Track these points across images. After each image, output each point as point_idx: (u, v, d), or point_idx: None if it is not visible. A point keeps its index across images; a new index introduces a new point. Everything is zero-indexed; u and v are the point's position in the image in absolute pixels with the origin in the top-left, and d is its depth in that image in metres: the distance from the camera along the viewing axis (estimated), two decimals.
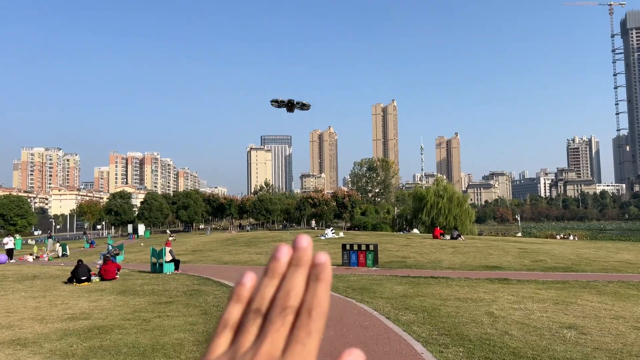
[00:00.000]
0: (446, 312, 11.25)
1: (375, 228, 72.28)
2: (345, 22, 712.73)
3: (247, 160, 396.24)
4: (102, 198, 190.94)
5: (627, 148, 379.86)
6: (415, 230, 56.29)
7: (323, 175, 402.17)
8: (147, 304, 13.35)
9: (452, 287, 15.36)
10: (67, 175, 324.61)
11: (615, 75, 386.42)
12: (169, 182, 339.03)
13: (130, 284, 17.84)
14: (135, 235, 75.38)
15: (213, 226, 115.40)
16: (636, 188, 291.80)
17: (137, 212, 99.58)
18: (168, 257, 21.83)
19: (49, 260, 34.12)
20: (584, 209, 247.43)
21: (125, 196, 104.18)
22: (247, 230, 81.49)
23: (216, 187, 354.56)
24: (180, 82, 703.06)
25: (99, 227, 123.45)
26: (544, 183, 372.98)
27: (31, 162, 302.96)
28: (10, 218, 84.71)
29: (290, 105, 19.95)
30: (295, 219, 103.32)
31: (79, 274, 18.15)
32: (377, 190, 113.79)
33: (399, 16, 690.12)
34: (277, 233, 57.83)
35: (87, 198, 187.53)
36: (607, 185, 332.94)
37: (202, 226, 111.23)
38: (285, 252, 0.48)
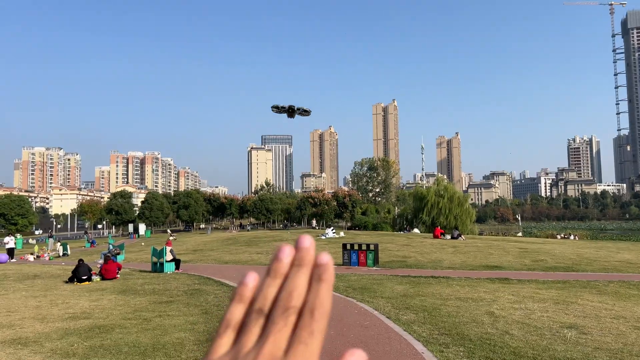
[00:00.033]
0: (447, 312, 11.25)
1: (375, 228, 72.28)
2: (345, 22, 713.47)
3: (248, 160, 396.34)
4: (102, 197, 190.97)
5: (628, 148, 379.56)
6: (416, 230, 56.30)
7: (324, 174, 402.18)
8: (147, 303, 13.36)
9: (452, 286, 15.36)
10: (68, 174, 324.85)
11: (616, 75, 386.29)
12: (169, 182, 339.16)
13: (131, 283, 17.85)
14: (136, 235, 75.40)
15: (214, 226, 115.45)
16: (637, 188, 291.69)
17: (137, 212, 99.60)
18: (169, 257, 21.84)
19: (49, 259, 34.15)
20: (585, 209, 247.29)
21: (126, 196, 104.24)
22: (248, 230, 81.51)
23: (217, 187, 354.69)
24: (180, 82, 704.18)
25: (99, 226, 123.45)
26: (545, 183, 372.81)
27: (32, 161, 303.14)
28: (11, 217, 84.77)
29: (290, 111, 20.00)
30: (295, 219, 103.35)
31: (79, 274, 18.16)
32: (377, 190, 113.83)
33: (399, 16, 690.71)
34: (277, 233, 57.84)
35: (88, 197, 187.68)
36: (608, 185, 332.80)
37: (202, 226, 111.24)
38: (287, 253, 0.48)
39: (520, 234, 77.87)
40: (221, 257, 29.31)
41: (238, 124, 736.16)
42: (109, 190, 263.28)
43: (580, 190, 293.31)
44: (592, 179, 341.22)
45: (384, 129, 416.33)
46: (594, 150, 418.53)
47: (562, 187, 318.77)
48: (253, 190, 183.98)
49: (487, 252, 26.83)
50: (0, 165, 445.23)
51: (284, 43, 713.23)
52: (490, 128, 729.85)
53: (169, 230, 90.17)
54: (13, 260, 32.65)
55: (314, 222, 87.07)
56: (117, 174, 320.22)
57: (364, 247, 22.62)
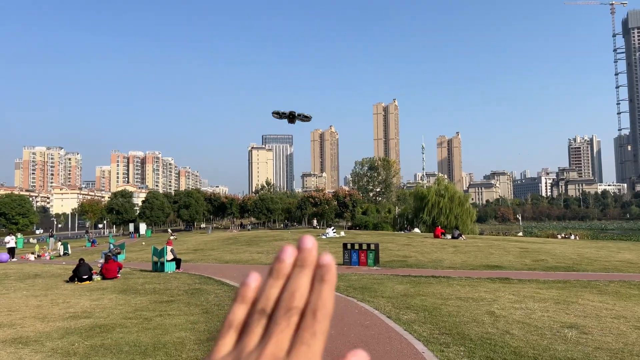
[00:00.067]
0: (447, 312, 11.25)
1: (376, 227, 72.25)
2: (345, 22, 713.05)
3: (249, 160, 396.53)
4: (103, 197, 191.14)
5: (629, 148, 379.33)
6: (417, 230, 56.27)
7: (324, 174, 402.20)
8: (148, 302, 13.37)
9: (453, 286, 15.36)
10: (69, 174, 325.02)
11: (616, 74, 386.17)
12: (170, 181, 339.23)
13: (132, 282, 17.86)
14: (137, 234, 75.44)
15: (214, 225, 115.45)
16: (637, 188, 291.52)
17: (138, 211, 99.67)
18: (169, 256, 21.86)
19: (50, 259, 34.19)
20: (585, 209, 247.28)
21: (126, 195, 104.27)
22: (248, 230, 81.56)
23: (217, 187, 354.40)
24: (180, 82, 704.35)
25: (100, 226, 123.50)
26: (545, 183, 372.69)
27: (33, 161, 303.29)
28: (12, 217, 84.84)
29: (291, 117, 20.09)
30: (296, 218, 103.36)
31: (80, 273, 18.18)
32: (378, 190, 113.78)
33: (399, 16, 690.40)
34: (278, 232, 57.85)
35: (89, 197, 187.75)
36: (609, 185, 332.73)
37: (203, 225, 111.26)
38: (290, 253, 0.48)
39: (520, 233, 77.83)
40: (222, 256, 29.31)
41: (238, 123, 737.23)
42: (109, 189, 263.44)
43: (580, 190, 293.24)
44: (592, 178, 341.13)
45: (384, 128, 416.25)
46: (595, 150, 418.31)
47: (563, 187, 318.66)
48: (254, 190, 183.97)
49: (488, 252, 26.83)
50: (1, 165, 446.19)
51: (284, 43, 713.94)
52: (490, 128, 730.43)
53: (169, 230, 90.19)
54: (14, 259, 32.70)
55: (314, 222, 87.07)
56: (117, 173, 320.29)
57: (364, 247, 22.62)
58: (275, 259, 0.48)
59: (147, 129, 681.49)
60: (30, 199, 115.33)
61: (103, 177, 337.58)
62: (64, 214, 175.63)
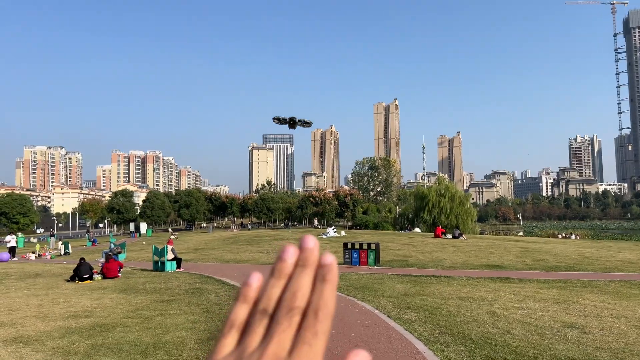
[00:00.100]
0: (448, 311, 11.25)
1: (376, 227, 72.26)
2: (345, 22, 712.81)
3: (249, 159, 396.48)
4: (104, 196, 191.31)
5: (630, 147, 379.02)
6: (417, 229, 56.26)
7: (325, 174, 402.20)
8: (149, 302, 13.38)
9: (453, 286, 15.36)
10: (70, 173, 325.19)
11: (617, 74, 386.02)
12: (170, 181, 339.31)
13: (133, 282, 17.88)
14: (137, 234, 75.48)
15: (215, 225, 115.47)
16: (638, 187, 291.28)
17: (139, 211, 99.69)
18: (170, 256, 21.87)
19: (51, 258, 34.22)
20: (586, 208, 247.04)
21: (127, 194, 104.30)
22: (249, 229, 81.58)
23: (218, 186, 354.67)
24: (181, 82, 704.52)
25: (101, 225, 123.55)
26: (546, 182, 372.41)
27: (33, 160, 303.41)
28: (12, 216, 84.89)
29: (292, 123, 20.21)
30: (297, 218, 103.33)
31: (81, 272, 18.19)
32: (378, 189, 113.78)
33: (399, 16, 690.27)
34: (278, 232, 57.85)
35: (90, 196, 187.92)
36: (609, 185, 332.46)
37: (203, 225, 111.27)
38: (291, 253, 0.48)
39: (521, 233, 77.82)
40: (222, 256, 29.32)
41: (239, 123, 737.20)
42: (110, 189, 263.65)
43: (581, 190, 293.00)
44: (593, 178, 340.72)
45: (385, 128, 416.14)
46: (596, 150, 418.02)
47: (564, 186, 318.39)
48: (254, 190, 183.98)
49: (488, 252, 26.82)
50: (1, 164, 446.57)
51: (284, 43, 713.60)
52: (491, 127, 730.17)
53: (170, 229, 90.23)
54: (14, 258, 32.72)
55: (315, 221, 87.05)
56: (118, 173, 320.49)
57: (365, 247, 22.62)
58: (277, 259, 0.48)
59: (148, 128, 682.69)
60: (31, 198, 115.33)
61: (104, 177, 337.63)
62: (64, 213, 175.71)
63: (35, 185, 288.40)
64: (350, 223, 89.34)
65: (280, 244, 34.33)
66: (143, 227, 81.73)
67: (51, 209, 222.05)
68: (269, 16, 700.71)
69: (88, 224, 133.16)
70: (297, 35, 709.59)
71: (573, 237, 61.44)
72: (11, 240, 35.00)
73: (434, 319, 10.42)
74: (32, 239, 72.85)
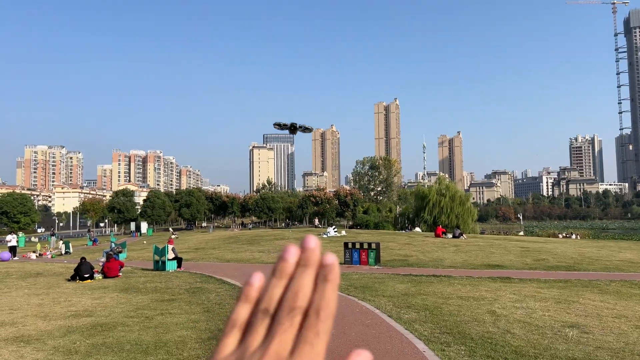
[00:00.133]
0: (448, 311, 11.25)
1: (377, 226, 72.24)
2: (345, 22, 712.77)
3: (250, 159, 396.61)
4: (105, 196, 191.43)
5: (630, 147, 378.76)
6: (418, 229, 56.23)
7: (325, 173, 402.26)
8: (149, 301, 13.39)
9: (454, 285, 15.36)
10: (70, 173, 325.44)
11: (618, 74, 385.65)
12: (171, 180, 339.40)
13: (133, 281, 17.89)
14: (138, 233, 75.53)
15: (215, 224, 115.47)
16: (639, 187, 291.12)
17: (139, 210, 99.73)
18: (171, 255, 21.88)
19: (52, 257, 34.24)
20: (587, 208, 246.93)
21: (128, 194, 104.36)
22: (250, 229, 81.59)
23: (218, 186, 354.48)
24: (181, 82, 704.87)
25: (101, 224, 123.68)
26: (547, 182, 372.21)
27: (34, 160, 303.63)
28: (13, 215, 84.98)
29: (293, 129, 20.44)
30: (297, 217, 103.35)
31: (82, 272, 18.20)
32: (379, 189, 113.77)
33: (399, 16, 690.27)
34: (279, 231, 57.85)
35: (90, 196, 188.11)
36: (610, 185, 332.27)
37: (204, 224, 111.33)
38: (293, 253, 0.48)
39: (521, 233, 77.82)
40: (223, 255, 29.34)
41: (239, 123, 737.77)
42: (111, 188, 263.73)
43: (582, 190, 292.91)
44: (594, 178, 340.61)
45: (385, 127, 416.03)
46: (596, 150, 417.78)
47: (564, 186, 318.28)
48: (255, 189, 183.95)
49: (489, 251, 26.82)
50: (2, 164, 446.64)
51: (284, 43, 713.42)
52: (492, 127, 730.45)
53: (170, 229, 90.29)
54: (15, 258, 32.75)
55: (316, 221, 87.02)
56: (119, 172, 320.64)
57: (365, 246, 22.62)
58: (278, 259, 0.48)
59: (149, 128, 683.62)
60: (32, 197, 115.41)
61: (104, 176, 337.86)
62: (65, 212, 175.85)
63: (36, 185, 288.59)
64: (350, 223, 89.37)
65: (281, 244, 34.33)
66: (144, 226, 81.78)
67: (52, 208, 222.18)
68: (269, 16, 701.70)
69: (89, 223, 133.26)
70: (297, 35, 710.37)
71: (573, 236, 61.43)
72: (12, 239, 35.03)
73: (434, 319, 10.43)
74: (32, 239, 72.89)
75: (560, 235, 65.73)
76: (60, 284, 17.77)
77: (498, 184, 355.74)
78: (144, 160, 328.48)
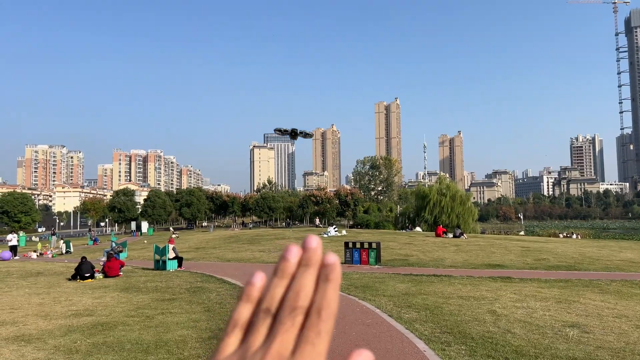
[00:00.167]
0: (449, 310, 11.25)
1: (377, 226, 72.27)
2: (345, 22, 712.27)
3: (250, 158, 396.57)
4: (105, 195, 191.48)
5: (631, 147, 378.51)
6: (418, 229, 56.25)
7: (326, 173, 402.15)
8: (150, 300, 13.40)
9: (454, 285, 15.36)
10: (71, 172, 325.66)
11: (619, 73, 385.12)
12: (172, 180, 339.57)
13: (134, 281, 17.90)
14: (139, 233, 75.58)
15: (216, 224, 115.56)
16: None
17: (140, 210, 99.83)
18: (171, 255, 21.89)
19: (52, 257, 34.25)
20: (587, 208, 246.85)
21: (128, 193, 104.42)
22: (250, 228, 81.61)
23: (219, 185, 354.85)
24: (182, 82, 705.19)
25: (102, 224, 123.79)
26: (547, 182, 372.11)
27: (35, 159, 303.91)
28: (14, 215, 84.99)
29: (293, 134, 20.62)
30: (298, 217, 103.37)
31: (82, 271, 18.22)
32: (379, 189, 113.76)
33: (399, 16, 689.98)
34: (280, 231, 57.88)
35: (91, 195, 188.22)
36: (611, 184, 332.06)
37: (205, 224, 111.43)
38: (294, 253, 0.48)
39: (522, 232, 77.83)
40: (223, 255, 29.35)
41: (240, 122, 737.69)
42: (111, 188, 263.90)
43: (582, 189, 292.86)
44: (594, 177, 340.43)
45: (386, 127, 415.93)
46: (597, 149, 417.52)
47: (565, 186, 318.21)
48: (255, 189, 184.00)
49: (489, 251, 26.82)
50: (3, 163, 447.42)
51: (284, 43, 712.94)
52: (492, 127, 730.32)
53: (171, 228, 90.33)
54: (16, 257, 32.76)
55: (317, 221, 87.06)
56: (119, 172, 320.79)
57: (366, 246, 22.62)
58: (280, 258, 0.48)
59: (149, 128, 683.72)
60: (33, 197, 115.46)
61: (105, 176, 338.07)
62: (66, 212, 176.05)
63: (36, 184, 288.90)
64: (351, 222, 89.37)
65: (282, 243, 34.35)
66: (144, 226, 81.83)
67: (53, 207, 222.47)
68: (269, 16, 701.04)
69: (89, 222, 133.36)
70: (297, 35, 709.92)
71: (574, 236, 61.44)
72: (13, 239, 35.05)
73: (434, 318, 10.43)
74: (33, 238, 72.93)
75: (561, 235, 65.73)
76: (61, 283, 17.78)
77: (499, 184, 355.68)
78: (145, 160, 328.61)
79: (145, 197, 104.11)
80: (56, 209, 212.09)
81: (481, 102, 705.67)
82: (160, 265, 21.92)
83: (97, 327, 10.10)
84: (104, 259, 22.27)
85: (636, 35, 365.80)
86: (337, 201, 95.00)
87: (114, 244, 33.08)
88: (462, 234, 37.41)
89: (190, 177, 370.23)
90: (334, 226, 51.43)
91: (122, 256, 27.51)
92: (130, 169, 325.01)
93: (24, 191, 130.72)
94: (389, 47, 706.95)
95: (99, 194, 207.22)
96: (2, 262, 28.01)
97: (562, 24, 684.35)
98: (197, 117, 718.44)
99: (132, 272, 21.19)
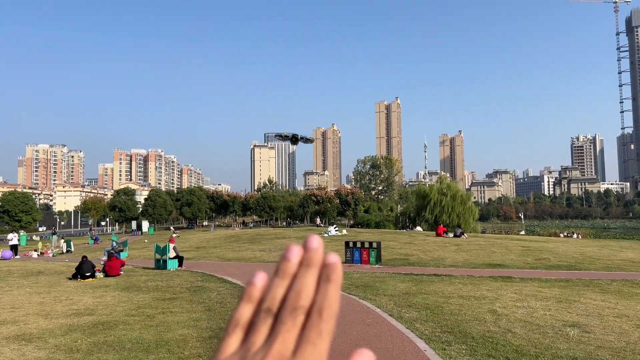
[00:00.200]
0: (449, 310, 11.25)
1: (378, 226, 72.29)
2: (346, 22, 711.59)
3: (251, 158, 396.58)
4: (106, 195, 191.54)
5: (632, 146, 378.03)
6: (419, 228, 56.25)
7: (326, 172, 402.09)
8: (151, 300, 13.41)
9: (455, 284, 15.36)
10: (72, 171, 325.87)
11: (620, 73, 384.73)
12: (172, 179, 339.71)
13: (134, 280, 17.91)
14: (139, 232, 75.59)
15: (216, 223, 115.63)
16: None
17: (141, 209, 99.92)
18: (172, 254, 21.90)
19: (53, 256, 34.27)
20: (588, 208, 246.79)
21: (129, 193, 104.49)
22: (251, 227, 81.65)
23: (220, 184, 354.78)
24: (182, 81, 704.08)
25: (103, 223, 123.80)
26: (548, 181, 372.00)
27: (36, 158, 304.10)
28: (15, 214, 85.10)
29: (294, 140, 20.88)
30: (298, 216, 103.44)
31: (83, 270, 18.23)
32: (380, 188, 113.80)
33: (398, 16, 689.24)
34: (280, 230, 57.88)
35: (92, 194, 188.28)
36: (611, 184, 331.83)
37: (205, 223, 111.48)
38: (296, 253, 0.48)
39: (523, 232, 77.78)
40: (224, 254, 29.36)
41: (240, 122, 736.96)
42: (112, 187, 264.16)
43: (583, 189, 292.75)
44: (595, 177, 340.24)
45: (386, 126, 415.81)
46: (598, 149, 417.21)
47: (566, 185, 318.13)
48: (256, 188, 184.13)
49: (490, 251, 26.81)
50: (4, 162, 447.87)
51: (284, 43, 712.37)
52: (493, 126, 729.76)
53: (172, 228, 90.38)
54: (17, 256, 32.80)
55: (317, 220, 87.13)
56: (120, 171, 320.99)
57: (366, 245, 22.62)
58: (281, 258, 0.48)
59: (150, 127, 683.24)
60: (33, 196, 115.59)
61: (106, 175, 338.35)
62: (66, 211, 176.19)
63: (37, 184, 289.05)
64: (351, 222, 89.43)
65: (282, 243, 34.35)
66: (145, 225, 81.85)
67: (53, 207, 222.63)
68: (269, 16, 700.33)
69: (90, 222, 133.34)
70: (297, 35, 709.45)
71: (575, 236, 61.42)
72: (13, 238, 35.09)
73: (435, 318, 10.43)
74: (34, 237, 72.91)
75: (561, 235, 65.70)
76: (61, 282, 17.80)
77: (499, 183, 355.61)
78: (145, 159, 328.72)
79: (146, 197, 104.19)
80: (57, 208, 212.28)
81: (481, 102, 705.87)
82: (160, 265, 21.93)
83: (97, 327, 10.11)
84: (105, 258, 22.27)
85: (637, 35, 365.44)
86: (338, 201, 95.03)
87: (114, 243, 33.10)
88: (462, 233, 37.40)
89: (191, 176, 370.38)
90: (335, 225, 51.43)
91: (123, 255, 27.51)
92: (130, 168, 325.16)
93: (24, 190, 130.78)
94: (389, 47, 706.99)
95: (100, 194, 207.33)
96: (3, 262, 28.04)
97: (562, 23, 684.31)
98: (198, 116, 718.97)
99: (133, 271, 21.20)
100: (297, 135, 20.64)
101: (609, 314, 10.62)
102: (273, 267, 0.48)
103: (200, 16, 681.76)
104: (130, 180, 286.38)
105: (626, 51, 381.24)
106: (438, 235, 38.30)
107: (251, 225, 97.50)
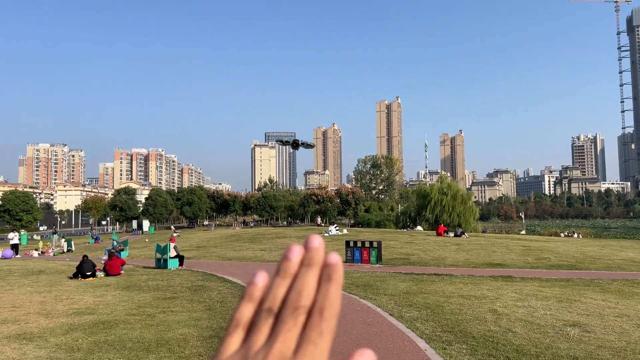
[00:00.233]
0: (450, 309, 11.26)
1: (378, 225, 72.30)
2: (346, 22, 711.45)
3: (251, 157, 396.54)
4: (107, 194, 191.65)
5: (633, 146, 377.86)
6: (419, 228, 56.27)
7: (327, 172, 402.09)
8: (151, 299, 13.42)
9: (455, 284, 15.36)
10: (72, 171, 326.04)
11: (621, 72, 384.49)
12: (173, 179, 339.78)
13: (135, 279, 17.92)
14: (140, 231, 75.59)
15: (217, 222, 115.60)
16: None
17: (141, 208, 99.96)
18: (172, 253, 21.92)
19: (54, 255, 34.30)
20: (589, 207, 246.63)
21: (130, 192, 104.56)
22: (251, 227, 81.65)
23: (220, 184, 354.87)
24: (183, 81, 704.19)
25: (103, 222, 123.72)
26: (549, 181, 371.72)
27: (36, 157, 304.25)
28: (15, 213, 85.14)
29: (295, 145, 21.12)
30: (299, 216, 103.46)
31: (84, 270, 18.24)
32: (380, 188, 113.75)
33: (398, 16, 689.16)
34: (281, 230, 57.89)
35: (92, 194, 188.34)
36: (612, 184, 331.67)
37: (206, 222, 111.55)
38: (297, 252, 0.48)
39: (523, 232, 77.75)
40: (224, 253, 29.38)
41: (241, 121, 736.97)
42: (112, 186, 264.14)
43: (584, 189, 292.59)
44: (596, 177, 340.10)
45: (387, 126, 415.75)
46: (598, 148, 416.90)
47: (566, 185, 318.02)
48: (256, 187, 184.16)
49: (490, 250, 26.81)
50: (5, 162, 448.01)
51: (284, 43, 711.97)
52: (493, 126, 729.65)
53: (172, 227, 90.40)
54: (18, 256, 32.82)
55: (318, 219, 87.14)
56: (121, 170, 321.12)
57: (367, 245, 22.64)
58: (282, 258, 0.48)
59: (151, 126, 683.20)
60: (34, 195, 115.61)
61: (106, 174, 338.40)
62: (67, 210, 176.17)
63: (38, 183, 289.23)
64: (352, 221, 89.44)
65: (283, 242, 34.36)
66: (145, 224, 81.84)
67: (54, 206, 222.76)
68: (269, 16, 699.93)
69: (91, 221, 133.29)
70: (297, 35, 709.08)
71: (575, 235, 61.42)
72: (14, 237, 35.10)
73: (435, 317, 10.43)
74: (35, 236, 72.94)
75: (562, 234, 65.69)
76: (62, 281, 17.81)
77: (500, 183, 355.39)
78: (146, 159, 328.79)
79: (147, 196, 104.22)
80: (57, 207, 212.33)
81: (482, 101, 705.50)
82: (161, 264, 21.94)
83: (98, 326, 10.12)
84: (106, 257, 22.30)
85: (638, 34, 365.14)
86: (339, 200, 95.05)
87: (115, 243, 33.11)
88: (463, 233, 37.40)
89: (192, 175, 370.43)
90: (335, 225, 51.45)
91: (124, 255, 27.53)
92: (131, 167, 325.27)
93: (25, 190, 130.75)
94: (389, 47, 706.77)
95: (101, 193, 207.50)
96: (3, 261, 28.06)
97: (563, 23, 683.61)
98: (198, 116, 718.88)
99: (134, 270, 21.21)
100: (299, 140, 20.86)
101: (609, 314, 10.61)
102: (274, 267, 0.48)
103: (200, 16, 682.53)
104: (131, 179, 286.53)
105: (627, 51, 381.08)
106: (439, 234, 38.30)
107: (252, 224, 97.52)
